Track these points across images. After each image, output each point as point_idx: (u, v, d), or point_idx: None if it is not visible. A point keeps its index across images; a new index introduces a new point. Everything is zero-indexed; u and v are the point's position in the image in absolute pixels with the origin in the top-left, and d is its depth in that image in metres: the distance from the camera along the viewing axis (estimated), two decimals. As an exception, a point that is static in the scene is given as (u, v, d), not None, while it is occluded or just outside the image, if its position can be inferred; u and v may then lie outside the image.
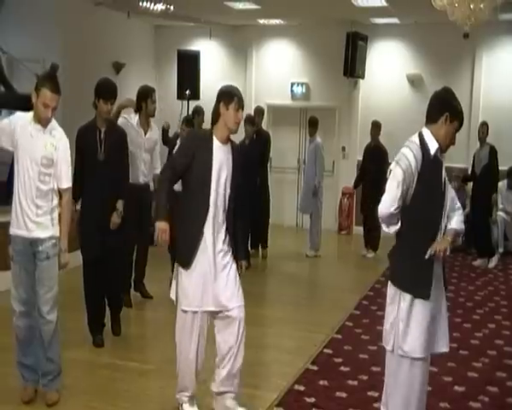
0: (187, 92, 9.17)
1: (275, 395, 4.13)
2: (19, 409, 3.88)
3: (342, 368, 4.70)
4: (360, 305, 6.43)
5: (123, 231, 4.99)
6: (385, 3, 8.73)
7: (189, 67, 9.44)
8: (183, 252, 3.68)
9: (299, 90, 11.00)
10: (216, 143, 3.66)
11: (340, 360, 4.86)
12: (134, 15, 9.95)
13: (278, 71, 11.09)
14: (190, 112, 8.25)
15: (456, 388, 4.36)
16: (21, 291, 3.85)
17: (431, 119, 3.23)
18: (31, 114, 3.83)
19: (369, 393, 4.20)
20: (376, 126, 8.88)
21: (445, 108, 3.18)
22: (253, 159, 7.57)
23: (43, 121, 3.78)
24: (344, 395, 4.21)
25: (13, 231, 3.86)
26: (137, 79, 9.08)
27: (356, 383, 4.42)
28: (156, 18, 10.32)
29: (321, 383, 4.36)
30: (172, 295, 3.79)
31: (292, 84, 11.02)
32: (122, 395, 4.15)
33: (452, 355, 4.94)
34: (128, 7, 9.48)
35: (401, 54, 10.54)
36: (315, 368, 4.65)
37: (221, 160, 3.65)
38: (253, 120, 8.08)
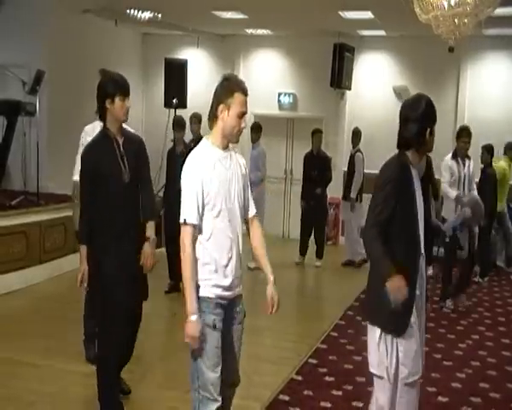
0: (174, 101, 9.15)
1: (259, 405, 4.11)
2: None
3: (327, 378, 4.69)
4: (345, 315, 6.44)
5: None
6: (372, 16, 8.80)
7: (176, 75, 9.44)
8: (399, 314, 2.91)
9: (286, 100, 11.04)
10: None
11: (324, 370, 4.86)
12: (121, 23, 9.93)
13: (265, 81, 11.12)
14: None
15: (440, 398, 4.37)
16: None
17: None
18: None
19: (354, 403, 4.20)
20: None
21: None
22: None
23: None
24: (328, 405, 4.21)
25: None
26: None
27: (340, 393, 4.42)
28: (144, 26, 10.32)
29: (305, 393, 4.35)
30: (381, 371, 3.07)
31: (279, 94, 11.06)
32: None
33: (436, 366, 4.98)
34: (116, 15, 9.47)
35: (388, 66, 10.63)
36: (299, 378, 4.64)
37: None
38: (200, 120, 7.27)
